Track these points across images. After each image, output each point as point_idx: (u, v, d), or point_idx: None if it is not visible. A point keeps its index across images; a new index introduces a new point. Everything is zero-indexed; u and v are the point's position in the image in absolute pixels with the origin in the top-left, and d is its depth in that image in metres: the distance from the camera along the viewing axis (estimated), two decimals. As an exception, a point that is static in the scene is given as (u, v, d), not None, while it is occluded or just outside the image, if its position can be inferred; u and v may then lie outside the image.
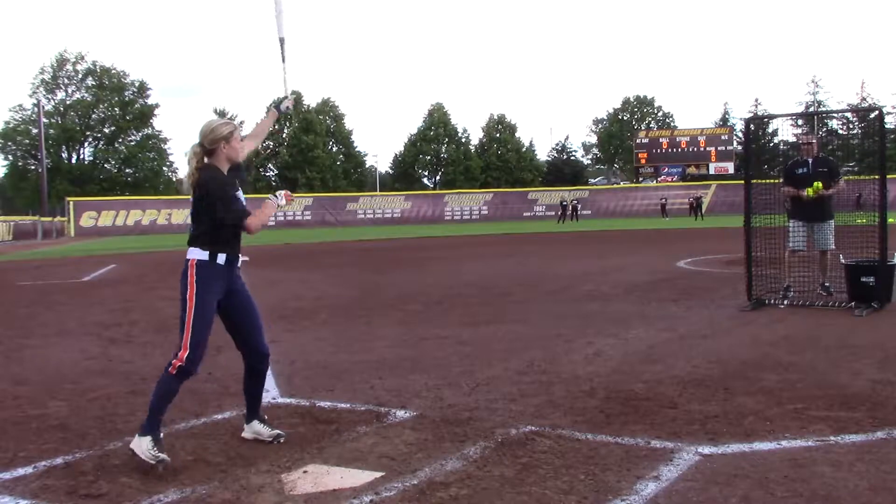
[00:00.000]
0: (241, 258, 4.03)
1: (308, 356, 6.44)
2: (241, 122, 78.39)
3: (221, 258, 3.84)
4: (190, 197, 3.88)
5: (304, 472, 3.54)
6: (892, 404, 4.45)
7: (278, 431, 4.07)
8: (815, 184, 8.50)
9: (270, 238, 33.06)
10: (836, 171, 8.91)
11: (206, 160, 3.84)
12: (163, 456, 3.58)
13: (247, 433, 4.09)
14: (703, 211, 49.12)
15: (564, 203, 51.26)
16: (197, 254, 3.81)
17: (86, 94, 69.00)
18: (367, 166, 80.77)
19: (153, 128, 71.48)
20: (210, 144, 3.83)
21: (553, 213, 59.15)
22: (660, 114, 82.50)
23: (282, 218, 56.92)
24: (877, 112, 9.96)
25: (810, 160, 8.81)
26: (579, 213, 52.21)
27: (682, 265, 14.11)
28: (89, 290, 13.25)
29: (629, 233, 30.31)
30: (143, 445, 3.60)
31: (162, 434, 3.71)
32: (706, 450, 3.71)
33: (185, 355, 3.70)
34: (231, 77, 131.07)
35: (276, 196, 3.96)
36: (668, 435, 3.98)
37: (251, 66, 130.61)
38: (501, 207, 59.92)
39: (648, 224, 39.99)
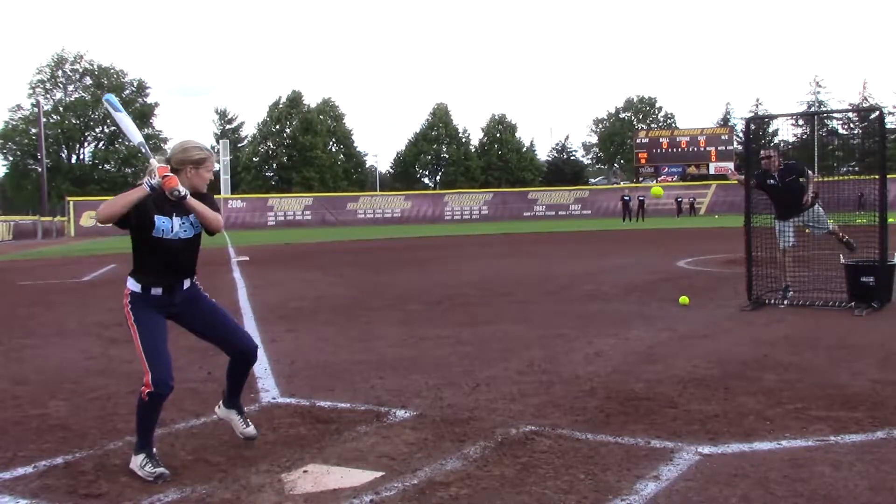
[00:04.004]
0: (192, 281, 3.77)
1: (308, 356, 6.44)
2: (242, 123, 78.88)
3: (157, 290, 3.67)
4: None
5: (304, 471, 3.54)
6: (892, 404, 4.45)
7: (252, 432, 3.98)
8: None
9: (270, 238, 33.08)
10: (802, 171, 8.96)
11: None
12: (160, 470, 3.49)
13: (220, 412, 4.04)
14: (698, 212, 49.10)
15: (626, 198, 47.30)
16: (130, 284, 3.67)
17: (84, 94, 69.06)
18: (367, 166, 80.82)
19: (153, 127, 71.54)
20: (177, 164, 3.61)
21: (553, 213, 59.24)
22: (661, 114, 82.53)
23: (282, 218, 56.97)
24: (877, 112, 9.96)
25: (776, 174, 8.81)
26: (645, 210, 47.06)
27: (682, 265, 14.10)
28: (89, 290, 13.25)
29: (629, 233, 30.31)
30: (137, 463, 3.53)
31: (154, 449, 3.62)
32: (706, 450, 3.72)
33: (149, 378, 3.54)
34: (239, 78, 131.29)
35: (149, 176, 3.52)
36: (668, 435, 3.98)
37: (258, 67, 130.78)
38: (501, 207, 59.90)
39: (683, 223, 40.00)
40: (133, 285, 3.68)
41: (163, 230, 3.61)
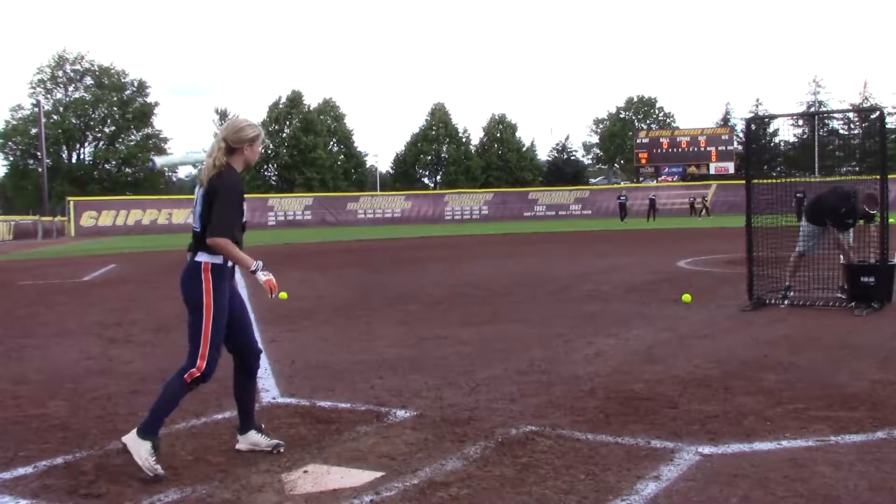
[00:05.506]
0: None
1: (308, 356, 6.44)
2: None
3: (230, 263, 3.75)
4: (195, 195, 3.76)
5: (304, 472, 3.55)
6: (892, 404, 4.45)
7: (277, 441, 3.90)
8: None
9: (271, 238, 33.06)
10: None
11: (225, 159, 3.73)
12: (158, 468, 3.47)
13: (242, 444, 3.90)
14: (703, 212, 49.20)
15: (623, 199, 48.80)
16: (209, 257, 3.68)
17: (85, 94, 69.00)
18: (367, 166, 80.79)
19: (153, 127, 71.51)
20: (234, 144, 3.73)
21: (553, 213, 59.28)
22: (661, 114, 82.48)
23: (282, 218, 56.96)
24: (878, 112, 9.95)
25: None
26: (702, 209, 50.57)
27: (682, 265, 14.10)
28: (89, 290, 13.25)
29: (629, 233, 30.30)
30: (142, 451, 3.49)
31: (160, 439, 3.61)
32: (706, 450, 3.72)
33: (203, 365, 3.61)
34: (239, 78, 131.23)
35: (261, 271, 3.75)
36: (668, 435, 3.98)
37: (258, 67, 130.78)
38: (501, 207, 59.86)
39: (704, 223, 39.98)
40: (212, 257, 3.68)
41: (245, 212, 3.91)
